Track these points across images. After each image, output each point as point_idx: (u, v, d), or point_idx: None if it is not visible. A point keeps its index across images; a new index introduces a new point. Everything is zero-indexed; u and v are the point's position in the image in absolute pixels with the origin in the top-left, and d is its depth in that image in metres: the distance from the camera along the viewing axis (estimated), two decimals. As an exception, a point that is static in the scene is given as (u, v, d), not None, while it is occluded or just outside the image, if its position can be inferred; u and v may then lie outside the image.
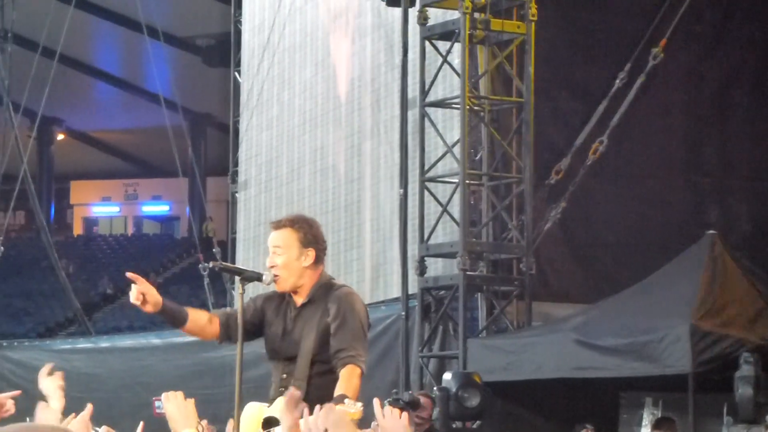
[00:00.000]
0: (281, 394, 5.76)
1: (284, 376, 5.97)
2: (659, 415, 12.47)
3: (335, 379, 5.77)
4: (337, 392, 5.68)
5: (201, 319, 6.10)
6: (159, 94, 23.88)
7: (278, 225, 6.08)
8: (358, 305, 6.00)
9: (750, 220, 15.33)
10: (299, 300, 6.06)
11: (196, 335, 6.24)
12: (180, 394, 4.98)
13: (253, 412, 5.88)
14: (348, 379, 5.77)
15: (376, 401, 4.86)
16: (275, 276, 6.00)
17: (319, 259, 6.05)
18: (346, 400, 5.42)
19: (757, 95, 15.46)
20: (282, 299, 6.13)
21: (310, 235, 6.03)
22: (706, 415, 11.89)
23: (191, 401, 4.95)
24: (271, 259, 6.04)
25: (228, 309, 6.27)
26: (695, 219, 14.83)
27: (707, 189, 15.35)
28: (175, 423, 4.85)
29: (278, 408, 5.67)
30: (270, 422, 5.72)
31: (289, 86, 19.29)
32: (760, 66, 15.52)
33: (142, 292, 5.87)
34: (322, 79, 18.49)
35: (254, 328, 6.15)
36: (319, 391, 5.75)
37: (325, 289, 6.02)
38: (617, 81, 14.57)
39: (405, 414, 4.82)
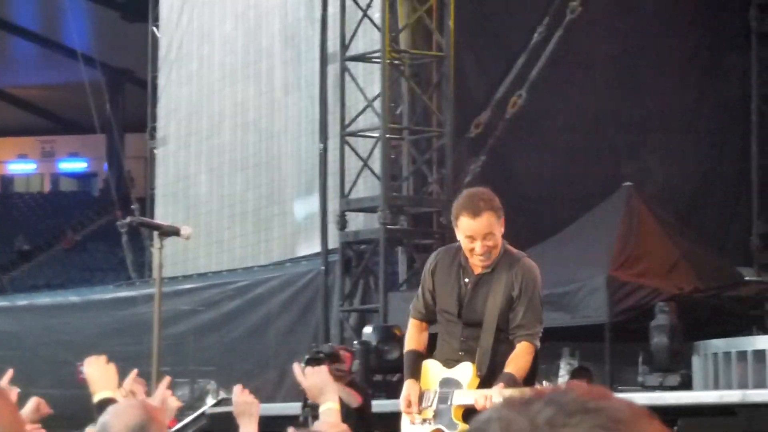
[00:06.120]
0: (463, 355, 6.09)
1: (463, 339, 6.18)
2: (576, 365, 12.63)
3: (511, 348, 6.02)
4: (507, 367, 5.95)
5: (426, 339, 6.38)
6: (77, 50, 23.57)
7: (477, 212, 6.08)
8: (539, 279, 6.22)
9: (662, 172, 15.51)
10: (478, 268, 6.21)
11: None
12: (102, 357, 4.96)
13: (432, 370, 6.23)
14: (522, 356, 5.99)
15: (295, 366, 4.95)
16: (487, 254, 6.07)
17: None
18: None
19: (666, 48, 15.61)
20: (454, 258, 6.27)
21: (499, 208, 6.15)
22: (623, 363, 12.07)
23: (112, 365, 4.91)
24: (483, 246, 6.09)
25: (420, 305, 6.41)
26: (613, 171, 14.98)
27: (623, 142, 15.49)
28: (96, 386, 4.82)
29: (461, 372, 6.04)
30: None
31: (208, 40, 19.14)
32: (670, 18, 15.65)
33: None
34: (242, 32, 18.36)
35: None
36: (501, 359, 6.02)
37: (507, 258, 6.19)
38: (536, 35, 14.63)
39: (323, 366, 4.96)
